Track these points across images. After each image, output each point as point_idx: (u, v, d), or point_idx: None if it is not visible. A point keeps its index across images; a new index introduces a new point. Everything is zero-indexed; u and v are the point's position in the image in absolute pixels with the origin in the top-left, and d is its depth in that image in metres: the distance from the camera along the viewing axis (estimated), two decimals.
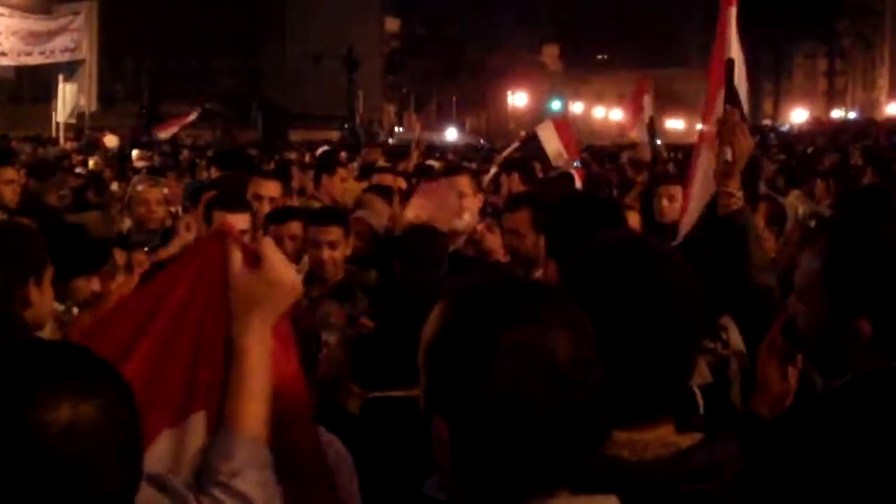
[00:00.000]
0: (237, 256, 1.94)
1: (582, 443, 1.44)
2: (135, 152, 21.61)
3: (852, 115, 63.87)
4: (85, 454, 1.31)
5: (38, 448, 1.28)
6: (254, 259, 1.93)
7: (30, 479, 1.28)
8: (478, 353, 1.40)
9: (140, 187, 6.56)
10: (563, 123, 11.91)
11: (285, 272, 1.95)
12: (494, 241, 5.54)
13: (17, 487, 1.28)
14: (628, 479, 1.63)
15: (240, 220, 4.88)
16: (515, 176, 9.34)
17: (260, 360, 1.89)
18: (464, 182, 6.12)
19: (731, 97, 3.59)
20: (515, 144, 13.08)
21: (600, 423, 1.48)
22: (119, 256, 5.00)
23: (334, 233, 4.81)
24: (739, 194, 2.95)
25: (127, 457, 1.39)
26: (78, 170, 15.70)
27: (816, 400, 2.27)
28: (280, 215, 5.24)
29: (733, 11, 3.90)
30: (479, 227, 5.75)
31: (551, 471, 1.42)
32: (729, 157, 3.04)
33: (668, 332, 1.72)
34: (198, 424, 1.86)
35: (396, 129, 18.63)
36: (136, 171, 14.01)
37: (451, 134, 53.82)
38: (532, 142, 12.01)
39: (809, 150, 22.96)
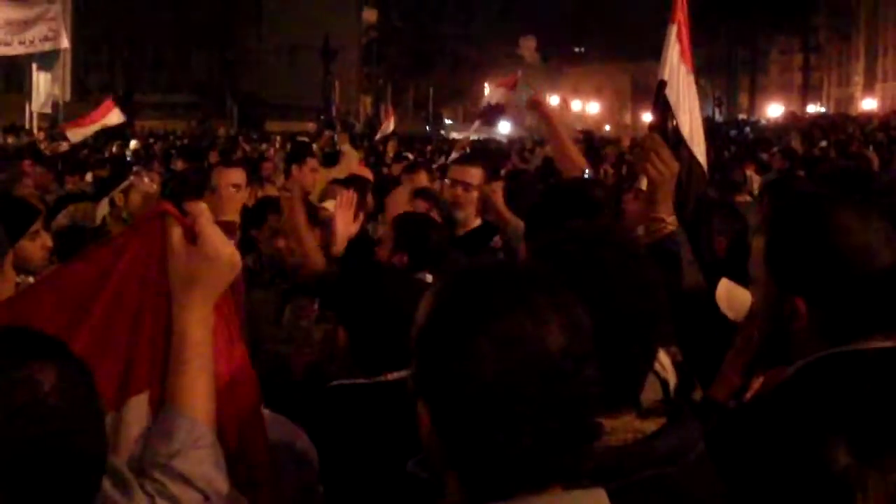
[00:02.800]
0: (176, 233, 1.89)
1: (573, 440, 1.39)
2: (133, 142, 21.79)
3: (822, 110, 64.21)
4: (73, 410, 1.38)
5: (34, 403, 1.34)
6: (192, 236, 1.89)
7: (29, 432, 1.33)
8: (464, 340, 1.36)
9: (147, 179, 6.56)
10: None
11: (222, 248, 1.89)
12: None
13: (19, 441, 1.32)
14: (596, 465, 1.59)
15: (236, 176, 5.63)
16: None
17: (201, 339, 1.85)
18: (422, 178, 6.74)
19: (657, 123, 3.51)
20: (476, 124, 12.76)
21: (592, 423, 1.43)
22: None
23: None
24: (671, 219, 2.90)
25: (101, 420, 1.45)
26: None
27: (769, 390, 2.23)
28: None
29: (672, 29, 3.79)
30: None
31: (539, 467, 1.37)
32: (643, 185, 2.99)
33: (627, 322, 1.71)
34: (139, 407, 1.80)
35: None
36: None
37: (505, 128, 46.35)
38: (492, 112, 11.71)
39: (823, 145, 22.15)
